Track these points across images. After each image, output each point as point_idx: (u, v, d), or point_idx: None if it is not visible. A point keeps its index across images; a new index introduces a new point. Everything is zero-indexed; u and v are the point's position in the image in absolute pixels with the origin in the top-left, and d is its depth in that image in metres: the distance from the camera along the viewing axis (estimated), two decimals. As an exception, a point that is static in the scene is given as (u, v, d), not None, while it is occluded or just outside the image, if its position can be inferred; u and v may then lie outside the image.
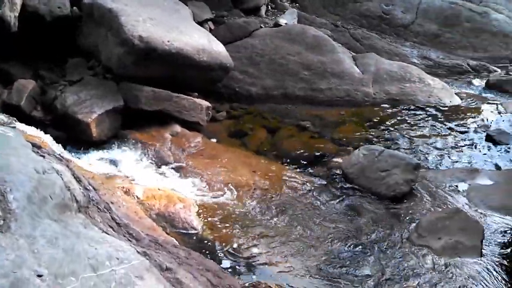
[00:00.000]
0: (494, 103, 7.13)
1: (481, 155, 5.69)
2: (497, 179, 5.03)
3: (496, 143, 5.89)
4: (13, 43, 5.05)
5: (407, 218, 4.40)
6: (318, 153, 5.61)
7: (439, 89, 7.26)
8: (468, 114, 6.72)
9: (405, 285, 3.52)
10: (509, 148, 5.82)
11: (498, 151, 5.78)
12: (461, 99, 7.28)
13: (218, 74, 6.02)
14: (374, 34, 9.39)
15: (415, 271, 3.69)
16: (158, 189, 4.32)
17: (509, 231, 4.17)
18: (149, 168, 4.79)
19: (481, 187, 4.89)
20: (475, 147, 5.87)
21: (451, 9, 9.68)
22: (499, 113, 6.79)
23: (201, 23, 7.22)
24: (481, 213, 4.44)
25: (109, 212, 2.76)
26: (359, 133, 6.14)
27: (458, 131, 6.24)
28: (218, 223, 4.13)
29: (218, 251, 3.78)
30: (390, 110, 6.79)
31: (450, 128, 6.30)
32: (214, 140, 5.71)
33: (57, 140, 4.67)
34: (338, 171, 5.16)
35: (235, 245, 3.86)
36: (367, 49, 8.70)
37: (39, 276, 1.92)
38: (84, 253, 2.15)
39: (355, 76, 7.11)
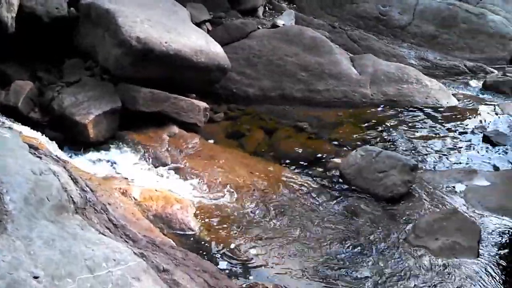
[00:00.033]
0: (491, 104, 7.14)
1: (479, 156, 5.70)
2: (494, 180, 5.04)
3: (493, 144, 5.90)
4: (10, 44, 5.04)
5: (405, 219, 4.40)
6: (316, 154, 5.60)
7: (437, 90, 7.27)
8: (465, 115, 6.73)
9: None
10: (506, 149, 5.83)
11: (495, 152, 5.78)
12: (458, 100, 7.29)
13: (215, 75, 6.03)
14: (371, 35, 9.41)
15: (412, 272, 3.70)
16: (156, 190, 4.32)
17: (506, 232, 4.18)
18: (146, 169, 4.79)
19: (478, 188, 4.90)
20: (473, 148, 5.88)
21: (448, 10, 9.70)
22: (496, 114, 6.80)
23: (198, 24, 7.22)
24: (478, 214, 4.45)
25: (106, 214, 2.76)
26: (356, 134, 6.15)
27: (455, 132, 6.25)
28: (215, 224, 4.13)
29: (215, 252, 3.79)
30: (387, 111, 6.80)
31: (447, 129, 6.31)
32: (211, 141, 5.71)
33: (55, 141, 4.67)
34: (335, 172, 5.16)
35: (232, 246, 3.86)
36: (365, 50, 8.71)
37: (36, 277, 1.92)
38: (81, 255, 2.15)
39: (352, 77, 7.12)
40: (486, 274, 3.67)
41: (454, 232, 3.99)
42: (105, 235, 2.49)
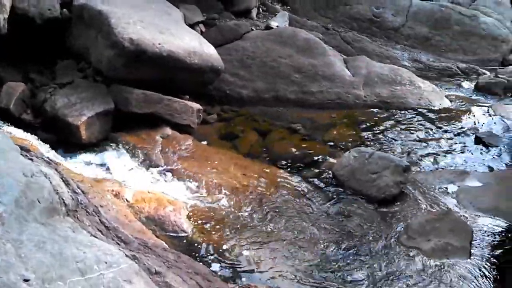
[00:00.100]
0: (483, 106, 7.18)
1: (471, 157, 5.73)
2: (486, 181, 5.07)
3: (485, 145, 5.94)
4: (2, 45, 5.01)
5: (397, 220, 4.42)
6: (309, 156, 5.61)
7: (429, 92, 7.30)
8: (457, 116, 6.76)
9: None
10: (498, 150, 5.87)
11: (487, 153, 5.82)
12: (451, 101, 7.33)
13: (209, 77, 6.03)
14: (365, 37, 9.45)
15: (405, 273, 3.71)
16: (148, 192, 4.31)
17: (497, 233, 4.21)
18: (139, 171, 4.77)
19: (470, 189, 4.92)
20: (465, 149, 5.90)
21: (441, 12, 9.77)
22: (489, 115, 6.83)
23: (192, 26, 7.22)
24: (470, 214, 4.47)
25: (98, 216, 2.75)
26: (350, 136, 6.16)
27: (448, 133, 6.27)
28: (208, 226, 4.12)
29: (208, 254, 3.78)
30: (380, 113, 6.81)
31: (440, 131, 6.33)
32: (204, 142, 5.70)
33: (47, 143, 4.64)
34: (329, 174, 5.17)
35: (225, 248, 3.85)
36: (358, 52, 8.74)
37: (26, 280, 1.91)
38: (72, 257, 2.14)
39: (346, 79, 7.13)
40: (478, 274, 3.69)
41: (447, 233, 4.01)
42: (96, 238, 2.48)
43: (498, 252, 3.96)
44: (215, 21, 8.12)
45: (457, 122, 6.58)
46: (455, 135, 6.24)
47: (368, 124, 6.50)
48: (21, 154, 2.79)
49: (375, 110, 6.89)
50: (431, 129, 6.39)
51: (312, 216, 4.44)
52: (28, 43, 5.48)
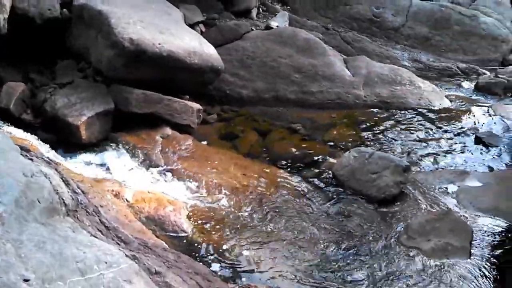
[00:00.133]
0: (483, 106, 7.18)
1: (471, 157, 5.73)
2: (486, 181, 5.07)
3: (485, 145, 5.94)
4: (3, 45, 5.01)
5: (397, 220, 4.42)
6: (309, 156, 5.61)
7: (429, 92, 7.30)
8: (457, 116, 6.76)
9: None
10: (498, 150, 5.87)
11: (487, 153, 5.82)
12: (451, 101, 7.33)
13: (209, 77, 6.03)
14: (365, 37, 9.44)
15: (405, 273, 3.71)
16: (148, 192, 4.31)
17: (497, 233, 4.21)
18: (139, 171, 4.77)
19: (470, 189, 4.92)
20: (465, 149, 5.90)
21: (441, 12, 9.76)
22: (489, 115, 6.83)
23: (192, 26, 7.22)
24: (470, 214, 4.47)
25: (98, 216, 2.75)
26: (350, 136, 6.16)
27: (448, 133, 6.28)
28: (208, 226, 4.12)
29: (208, 254, 3.78)
30: (380, 113, 6.82)
31: (440, 131, 6.33)
32: (204, 142, 5.70)
33: (47, 143, 4.64)
34: (329, 174, 5.17)
35: (225, 248, 3.85)
36: (358, 52, 8.74)
37: (26, 280, 1.91)
38: (72, 257, 2.14)
39: (346, 79, 7.13)
40: (478, 274, 3.69)
41: (447, 233, 4.01)
42: (96, 238, 2.48)
43: (498, 252, 3.96)
44: (215, 21, 8.12)
45: (457, 122, 6.58)
46: (455, 135, 6.24)
47: (368, 124, 6.50)
48: (21, 154, 2.79)
49: (375, 110, 6.89)
50: (431, 129, 6.39)
51: (312, 216, 4.44)
52: (28, 43, 5.48)
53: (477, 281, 3.61)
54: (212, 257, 3.75)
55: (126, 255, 2.37)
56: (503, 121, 6.60)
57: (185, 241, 3.91)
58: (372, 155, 4.98)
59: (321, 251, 3.95)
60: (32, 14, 5.51)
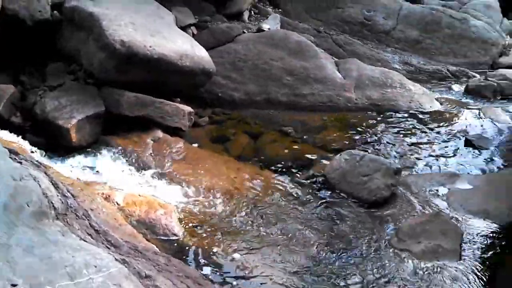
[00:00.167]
0: (473, 109, 7.22)
1: (461, 160, 5.76)
2: (476, 184, 5.10)
3: (475, 147, 5.97)
4: (-8, 47, 4.99)
5: (388, 222, 4.43)
6: (301, 159, 5.61)
7: (420, 95, 7.34)
8: (448, 119, 6.80)
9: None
10: (488, 152, 5.91)
11: (477, 155, 5.86)
12: (441, 104, 7.37)
13: (200, 79, 6.02)
14: (356, 40, 9.47)
15: (395, 275, 3.72)
16: (139, 195, 4.29)
17: (487, 235, 4.23)
18: (130, 174, 4.75)
19: (460, 191, 4.95)
20: (455, 152, 5.94)
21: (432, 16, 9.81)
22: (479, 118, 6.88)
23: (184, 28, 7.20)
24: (460, 217, 4.49)
25: (88, 219, 2.73)
26: (341, 138, 6.17)
27: (438, 136, 6.31)
28: (199, 229, 4.11)
29: (199, 258, 3.76)
30: (371, 115, 6.84)
31: (430, 133, 6.37)
32: (196, 145, 5.69)
33: (37, 146, 4.62)
34: (320, 176, 5.17)
35: (216, 252, 3.84)
36: (350, 55, 8.75)
37: (14, 285, 1.89)
38: (61, 261, 2.12)
39: (337, 81, 7.16)
40: (468, 276, 3.71)
41: (437, 235, 4.03)
42: (86, 241, 2.46)
43: (488, 253, 3.99)
44: (207, 24, 8.10)
45: (447, 125, 6.62)
46: (445, 138, 6.28)
47: (359, 126, 6.52)
48: (10, 157, 2.77)
49: (366, 112, 6.92)
50: (422, 132, 6.42)
51: (303, 219, 4.44)
52: (18, 45, 5.45)
53: (468, 282, 3.63)
54: (203, 260, 3.74)
55: (116, 259, 2.36)
56: (492, 124, 6.65)
57: (176, 244, 3.89)
58: (363, 158, 5.00)
59: (312, 254, 3.95)
60: (23, 16, 5.48)
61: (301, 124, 6.51)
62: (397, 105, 7.09)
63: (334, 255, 3.96)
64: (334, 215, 4.54)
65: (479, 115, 6.93)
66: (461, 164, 5.64)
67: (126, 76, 5.35)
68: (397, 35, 9.73)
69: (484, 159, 5.77)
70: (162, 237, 3.91)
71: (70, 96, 5.23)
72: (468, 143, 6.05)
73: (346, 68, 7.46)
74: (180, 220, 4.15)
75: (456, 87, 8.41)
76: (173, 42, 5.65)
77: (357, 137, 6.23)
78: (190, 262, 3.64)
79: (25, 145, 4.45)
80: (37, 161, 3.24)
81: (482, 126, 6.61)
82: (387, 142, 6.10)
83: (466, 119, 6.81)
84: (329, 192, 4.91)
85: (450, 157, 5.80)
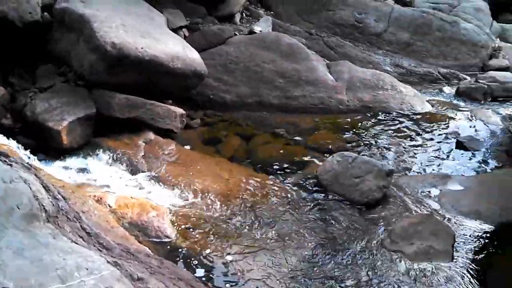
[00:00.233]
0: (464, 110, 7.28)
1: (452, 161, 5.80)
2: (468, 185, 5.12)
3: (466, 149, 6.01)
4: (-19, 49, 4.94)
5: (380, 224, 4.44)
6: (293, 160, 5.61)
7: (411, 97, 7.38)
8: (439, 121, 6.84)
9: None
10: (479, 154, 5.95)
11: (468, 157, 5.89)
12: (432, 106, 7.42)
13: (192, 81, 6.00)
14: (347, 42, 9.51)
15: (388, 277, 3.72)
16: (131, 197, 4.26)
17: (478, 235, 4.25)
18: (121, 176, 4.72)
19: (452, 192, 4.97)
20: (446, 153, 5.97)
21: (423, 18, 9.88)
22: (469, 120, 6.93)
23: (175, 30, 7.19)
24: (452, 218, 4.51)
25: (79, 222, 2.71)
26: (333, 140, 6.18)
27: (429, 138, 6.34)
28: (192, 231, 4.09)
29: (192, 260, 3.74)
30: (363, 117, 6.87)
31: (421, 135, 6.40)
32: (188, 147, 5.67)
33: (27, 148, 4.57)
34: (312, 178, 5.17)
35: (209, 254, 3.82)
36: (341, 57, 8.79)
37: (4, 288, 1.87)
38: (52, 264, 2.10)
39: (329, 83, 7.17)
40: (461, 277, 3.72)
41: (429, 236, 4.04)
42: (77, 244, 2.43)
43: (480, 254, 4.00)
44: (198, 26, 8.10)
45: (438, 127, 6.66)
46: (436, 140, 6.31)
47: (351, 128, 6.54)
48: (0, 160, 2.74)
49: (357, 114, 6.94)
50: (413, 134, 6.45)
51: (296, 221, 4.43)
52: (7, 46, 5.39)
53: (460, 283, 3.64)
54: (196, 263, 3.72)
55: (108, 262, 2.33)
56: (483, 125, 6.70)
57: (168, 246, 3.87)
58: (355, 160, 5.00)
59: (305, 256, 3.94)
60: (12, 17, 5.43)
61: (293, 126, 6.52)
62: (389, 107, 7.13)
63: (327, 257, 3.95)
64: (327, 217, 4.53)
65: (470, 117, 6.99)
66: (453, 166, 5.68)
67: (117, 78, 5.31)
68: (388, 37, 9.78)
69: (476, 161, 5.81)
70: (155, 239, 3.89)
71: (61, 98, 5.19)
72: (459, 145, 6.09)
73: (338, 70, 7.48)
74: (172, 222, 4.13)
75: (447, 89, 8.47)
76: (164, 44, 5.63)
77: (349, 139, 6.24)
78: (183, 264, 3.62)
79: (15, 147, 4.39)
80: (27, 163, 3.20)
81: (473, 128, 6.66)
82: (379, 144, 6.13)
83: (457, 121, 6.86)
84: (321, 194, 4.91)
85: (441, 158, 5.84)
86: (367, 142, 6.18)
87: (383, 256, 3.95)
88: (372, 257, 3.95)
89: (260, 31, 8.10)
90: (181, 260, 3.71)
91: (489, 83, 8.12)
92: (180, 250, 3.85)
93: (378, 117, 6.88)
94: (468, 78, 8.86)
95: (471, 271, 3.77)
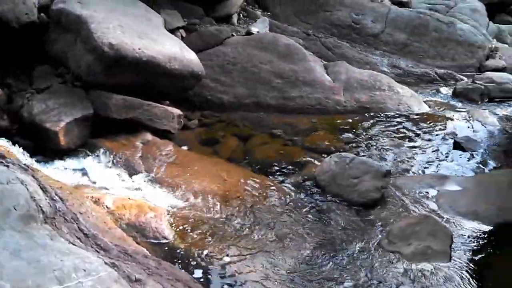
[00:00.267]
0: (461, 111, 7.29)
1: (450, 162, 5.81)
2: (465, 185, 5.13)
3: (463, 149, 6.02)
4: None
5: (378, 224, 4.44)
6: (290, 161, 5.60)
7: (408, 97, 7.39)
8: (436, 121, 6.85)
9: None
10: (476, 154, 5.96)
11: (465, 157, 5.90)
12: (429, 107, 7.43)
13: (189, 82, 6.00)
14: (345, 43, 9.52)
15: (386, 277, 3.72)
16: (129, 198, 4.25)
17: (476, 236, 4.26)
18: (119, 177, 4.71)
19: (449, 193, 4.98)
20: (444, 154, 5.98)
21: (419, 19, 9.89)
22: (466, 120, 6.94)
23: (172, 31, 7.18)
24: (450, 218, 4.52)
25: (77, 223, 2.70)
26: (330, 141, 6.18)
27: (427, 138, 6.35)
28: (190, 232, 4.08)
29: (190, 261, 3.73)
30: (360, 118, 6.87)
31: (419, 135, 6.41)
32: (185, 148, 5.66)
33: (24, 149, 4.56)
34: (310, 179, 5.17)
35: (207, 254, 3.81)
36: (339, 58, 8.80)
37: (1, 289, 1.86)
38: (49, 265, 2.09)
39: (326, 84, 7.18)
40: (458, 277, 3.72)
41: (427, 236, 4.03)
42: (75, 245, 2.42)
43: (477, 254, 4.01)
44: (196, 27, 8.09)
45: (435, 127, 6.67)
46: (434, 140, 6.32)
47: (348, 129, 6.54)
48: (-3, 161, 2.73)
49: (355, 115, 6.94)
50: (411, 134, 6.46)
51: (293, 222, 4.42)
52: (4, 47, 5.38)
53: (458, 283, 3.64)
54: (194, 264, 3.71)
55: (105, 263, 2.33)
56: (481, 126, 6.71)
57: (166, 247, 3.86)
58: (352, 160, 5.00)
59: (303, 257, 3.94)
60: (8, 18, 5.42)
61: (290, 127, 6.52)
62: (386, 107, 7.13)
63: (325, 258, 3.95)
64: (325, 218, 4.53)
65: (467, 117, 7.00)
66: (450, 166, 5.69)
67: (114, 78, 5.31)
68: (385, 38, 9.79)
69: (473, 161, 5.82)
70: (152, 241, 3.88)
71: (58, 99, 5.18)
72: (457, 145, 6.09)
73: (335, 71, 7.48)
74: (170, 223, 4.12)
75: (444, 90, 8.48)
76: (161, 44, 5.62)
77: (346, 140, 6.24)
78: (181, 266, 3.61)
79: (12, 148, 4.38)
80: (24, 164, 3.19)
81: (470, 128, 6.67)
82: (377, 145, 6.13)
83: (454, 121, 6.87)
84: (319, 195, 4.91)
85: (439, 159, 5.84)
86: (365, 142, 6.18)
87: (381, 257, 3.95)
88: (370, 257, 3.95)
89: (258, 32, 8.10)
90: (179, 261, 3.69)
91: (486, 83, 8.14)
92: (178, 251, 3.84)
93: (375, 118, 6.88)
94: (465, 78, 8.88)
95: (469, 271, 3.77)
